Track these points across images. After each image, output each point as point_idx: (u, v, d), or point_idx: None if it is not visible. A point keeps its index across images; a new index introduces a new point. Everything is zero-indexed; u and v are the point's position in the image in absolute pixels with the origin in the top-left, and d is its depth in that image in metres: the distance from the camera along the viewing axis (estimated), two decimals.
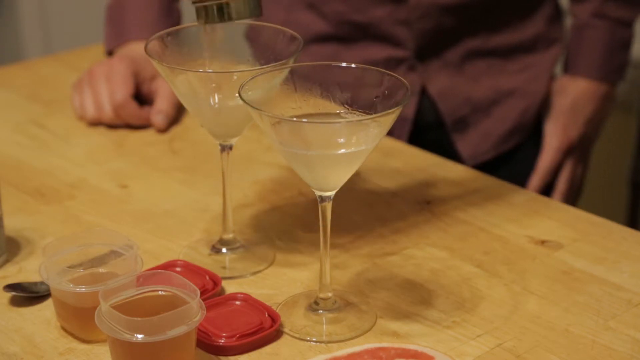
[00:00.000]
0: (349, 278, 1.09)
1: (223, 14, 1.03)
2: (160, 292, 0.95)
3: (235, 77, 1.02)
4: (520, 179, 1.55)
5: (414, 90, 1.51)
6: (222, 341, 0.98)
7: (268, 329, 0.99)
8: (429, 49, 1.51)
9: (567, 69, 1.61)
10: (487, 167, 1.54)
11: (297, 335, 1.00)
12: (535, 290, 1.07)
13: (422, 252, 1.14)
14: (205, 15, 1.03)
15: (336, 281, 1.08)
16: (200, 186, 1.27)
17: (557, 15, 1.60)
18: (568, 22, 1.64)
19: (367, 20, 1.50)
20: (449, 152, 1.53)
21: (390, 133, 1.50)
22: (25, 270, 1.10)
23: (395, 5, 1.48)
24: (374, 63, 1.49)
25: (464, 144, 1.54)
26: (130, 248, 1.01)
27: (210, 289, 1.05)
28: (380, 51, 1.51)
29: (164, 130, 1.41)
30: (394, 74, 0.97)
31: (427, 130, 1.54)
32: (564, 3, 1.65)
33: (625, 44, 1.60)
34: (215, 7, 1.02)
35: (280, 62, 1.02)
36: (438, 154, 1.37)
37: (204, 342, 0.98)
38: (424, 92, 1.53)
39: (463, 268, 1.11)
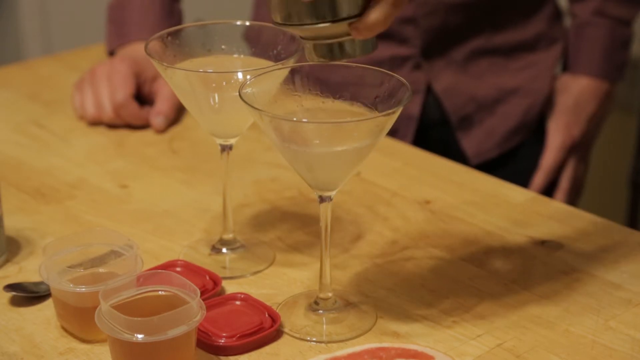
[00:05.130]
0: (349, 278, 1.09)
1: (334, 52, 0.96)
2: (160, 292, 0.95)
3: (235, 77, 1.02)
4: (523, 177, 1.56)
5: (419, 88, 1.51)
6: (222, 341, 0.98)
7: (268, 329, 0.99)
8: (434, 47, 1.51)
9: (569, 68, 1.61)
10: (491, 165, 1.54)
11: (297, 335, 1.00)
12: (535, 290, 1.07)
13: (422, 252, 1.14)
14: (318, 54, 0.97)
15: (336, 281, 1.08)
16: (200, 186, 1.27)
17: (557, 15, 1.60)
18: (567, 23, 1.64)
19: None
20: (453, 150, 1.53)
21: (396, 131, 1.50)
22: (25, 270, 1.10)
23: None
24: (379, 61, 1.50)
25: (468, 142, 1.54)
26: (130, 248, 1.01)
27: (211, 289, 1.05)
28: (386, 49, 1.51)
29: (162, 131, 1.41)
30: (394, 74, 0.97)
31: (432, 129, 1.55)
32: (562, 4, 1.66)
33: (625, 43, 1.61)
34: (325, 46, 0.96)
35: (281, 62, 1.03)
36: (443, 153, 1.37)
37: (204, 342, 0.98)
38: (429, 91, 1.53)
39: (463, 268, 1.11)
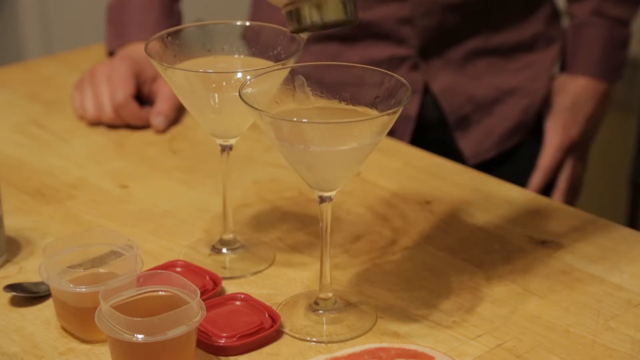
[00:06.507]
0: (349, 278, 1.09)
1: (314, 17, 0.96)
2: (160, 292, 0.95)
3: (235, 77, 1.02)
4: (521, 177, 1.56)
5: (417, 88, 1.51)
6: (222, 341, 0.98)
7: (268, 329, 0.99)
8: (432, 47, 1.51)
9: (566, 68, 1.61)
10: (489, 165, 1.54)
11: (297, 336, 1.00)
12: (535, 290, 1.07)
13: (422, 252, 1.14)
14: (296, 20, 0.97)
15: (336, 281, 1.08)
16: (200, 186, 1.27)
17: (555, 15, 1.60)
18: (564, 23, 1.64)
19: (371, 19, 1.50)
20: (451, 150, 1.53)
21: (394, 132, 1.50)
22: (26, 270, 1.10)
23: (398, 3, 1.48)
24: (376, 62, 1.50)
25: (466, 142, 1.54)
26: (130, 248, 1.01)
27: (211, 289, 1.05)
28: (383, 50, 1.51)
29: (163, 131, 1.41)
30: (394, 75, 0.97)
31: (430, 129, 1.55)
32: (560, 4, 1.66)
33: (623, 43, 1.61)
34: (307, 10, 0.96)
35: (281, 62, 1.03)
36: (440, 153, 1.37)
37: (204, 342, 0.98)
38: (426, 91, 1.53)
39: (463, 268, 1.11)
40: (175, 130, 1.41)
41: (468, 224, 1.19)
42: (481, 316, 1.03)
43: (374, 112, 0.97)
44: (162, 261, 1.11)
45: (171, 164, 1.33)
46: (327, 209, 0.99)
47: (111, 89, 1.41)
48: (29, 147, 1.36)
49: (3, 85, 1.54)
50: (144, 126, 1.42)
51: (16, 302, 1.05)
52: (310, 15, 0.97)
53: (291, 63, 1.02)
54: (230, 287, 1.08)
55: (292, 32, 0.99)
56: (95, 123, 1.42)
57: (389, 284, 1.08)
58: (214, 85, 1.03)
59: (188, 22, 1.15)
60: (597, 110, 1.61)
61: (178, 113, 1.43)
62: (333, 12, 0.97)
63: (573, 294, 1.07)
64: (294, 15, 0.97)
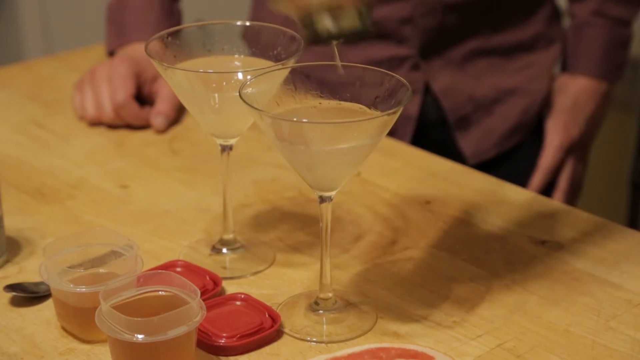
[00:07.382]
0: (349, 278, 1.09)
1: (330, 28, 0.96)
2: (160, 292, 0.95)
3: (235, 77, 1.02)
4: (522, 177, 1.56)
5: (417, 88, 1.52)
6: (223, 341, 0.98)
7: (268, 329, 0.99)
8: (432, 47, 1.51)
9: (567, 68, 1.61)
10: (489, 165, 1.54)
11: (297, 336, 1.00)
12: (535, 290, 1.07)
13: (422, 252, 1.14)
14: (311, 30, 0.96)
15: (336, 281, 1.08)
16: (201, 186, 1.27)
17: (556, 15, 1.60)
18: (566, 23, 1.64)
19: None
20: (451, 150, 1.53)
21: (394, 131, 1.50)
22: (26, 271, 1.10)
23: (399, 3, 1.48)
24: (377, 62, 1.50)
25: (466, 142, 1.54)
26: (130, 248, 1.01)
27: (211, 289, 1.05)
28: (384, 50, 1.51)
29: (163, 131, 1.41)
30: (394, 75, 0.97)
31: (431, 129, 1.55)
32: (561, 4, 1.66)
33: (624, 43, 1.61)
34: (322, 20, 0.96)
35: (281, 62, 1.03)
36: (441, 152, 1.37)
37: (205, 342, 0.98)
38: (427, 91, 1.53)
39: (463, 268, 1.11)
40: (175, 130, 1.41)
41: (468, 224, 1.19)
42: (481, 316, 1.03)
43: (374, 112, 0.97)
44: (162, 261, 1.11)
45: (171, 164, 1.33)
46: (327, 209, 0.99)
47: (111, 89, 1.41)
48: (29, 147, 1.36)
49: (3, 85, 1.54)
50: (144, 126, 1.42)
51: (16, 302, 1.05)
52: (326, 25, 0.96)
53: (291, 63, 1.02)
54: (230, 287, 1.08)
55: (306, 42, 0.99)
56: (95, 123, 1.42)
57: (389, 284, 1.08)
58: (214, 85, 1.03)
59: (188, 22, 1.15)
60: (597, 111, 1.61)
61: (178, 113, 1.43)
62: (349, 22, 0.96)
63: (573, 294, 1.07)
64: (309, 25, 0.96)
